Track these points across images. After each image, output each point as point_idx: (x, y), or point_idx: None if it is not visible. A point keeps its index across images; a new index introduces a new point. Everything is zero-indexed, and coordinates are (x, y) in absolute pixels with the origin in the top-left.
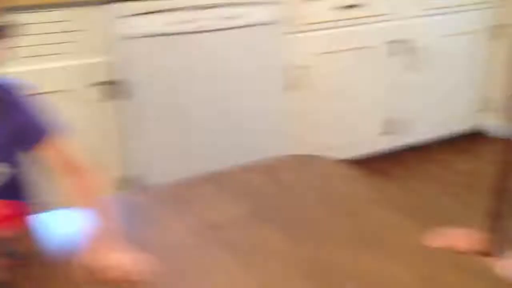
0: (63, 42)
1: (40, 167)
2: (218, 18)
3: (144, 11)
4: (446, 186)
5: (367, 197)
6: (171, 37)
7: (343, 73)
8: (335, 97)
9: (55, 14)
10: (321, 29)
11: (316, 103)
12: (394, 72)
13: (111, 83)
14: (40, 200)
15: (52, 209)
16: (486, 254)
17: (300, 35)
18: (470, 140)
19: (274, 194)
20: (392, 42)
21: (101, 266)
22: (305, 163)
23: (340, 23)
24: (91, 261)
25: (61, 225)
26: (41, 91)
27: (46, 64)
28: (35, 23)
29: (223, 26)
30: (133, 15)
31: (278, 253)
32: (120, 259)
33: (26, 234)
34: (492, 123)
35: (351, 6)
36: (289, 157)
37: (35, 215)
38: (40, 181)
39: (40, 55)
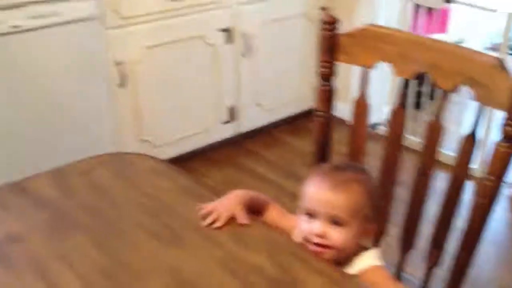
0: None
1: None
2: (30, 17)
3: None
4: (287, 166)
5: (181, 193)
6: None
7: (177, 64)
8: (170, 90)
9: None
10: (149, 21)
11: (151, 98)
12: (230, 59)
13: None
14: None
15: None
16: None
17: (127, 29)
18: (309, 119)
19: (84, 196)
20: (224, 30)
21: None
22: (121, 161)
23: (169, 14)
24: None
25: None
26: None
27: None
28: None
29: (37, 25)
30: None
31: (81, 260)
32: None
33: None
34: None
35: None
36: (106, 156)
37: None
38: None
39: None
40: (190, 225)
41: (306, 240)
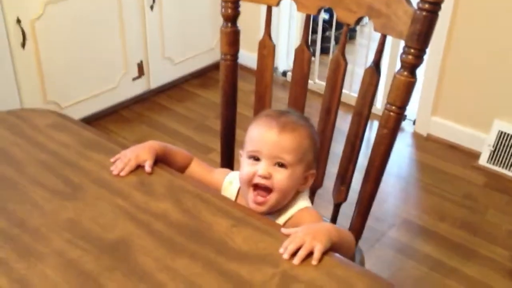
0: None
1: None
2: None
3: None
4: (199, 120)
5: (84, 147)
6: None
7: (81, 20)
8: (75, 47)
9: None
10: None
11: (55, 57)
12: (137, 12)
13: None
14: None
15: None
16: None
17: None
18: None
19: None
20: None
21: None
22: (19, 118)
23: None
24: None
25: None
26: None
27: None
28: None
29: None
30: None
31: None
32: None
33: None
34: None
35: None
36: (2, 114)
37: None
38: None
39: None
40: (92, 178)
41: (249, 182)
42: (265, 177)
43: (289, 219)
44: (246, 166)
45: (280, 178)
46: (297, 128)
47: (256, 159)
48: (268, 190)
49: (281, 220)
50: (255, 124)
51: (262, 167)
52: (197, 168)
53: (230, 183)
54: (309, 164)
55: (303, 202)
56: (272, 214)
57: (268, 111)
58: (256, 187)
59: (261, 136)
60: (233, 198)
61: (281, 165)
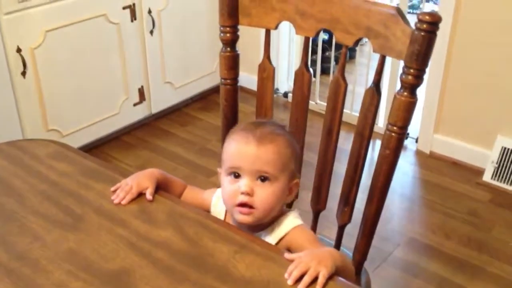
0: None
1: None
2: None
3: None
4: (201, 144)
5: (84, 176)
6: None
7: (81, 47)
8: (75, 75)
9: None
10: (48, 2)
11: (55, 84)
12: (136, 38)
13: None
14: None
15: None
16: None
17: (25, 12)
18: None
19: None
20: (128, 7)
21: None
22: (19, 149)
23: None
24: None
25: None
26: None
27: None
28: None
29: None
30: None
31: None
32: None
33: None
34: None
35: None
36: (1, 145)
37: None
38: None
39: None
40: (93, 207)
41: (233, 201)
42: (248, 194)
43: (282, 237)
44: (227, 184)
45: (263, 195)
46: (275, 138)
47: (237, 175)
48: (251, 206)
49: (274, 237)
50: (231, 139)
51: (244, 183)
52: (189, 193)
53: (218, 198)
54: (292, 173)
55: (294, 220)
56: (265, 230)
57: (242, 125)
58: (240, 204)
59: (239, 151)
60: (222, 214)
61: (264, 179)
